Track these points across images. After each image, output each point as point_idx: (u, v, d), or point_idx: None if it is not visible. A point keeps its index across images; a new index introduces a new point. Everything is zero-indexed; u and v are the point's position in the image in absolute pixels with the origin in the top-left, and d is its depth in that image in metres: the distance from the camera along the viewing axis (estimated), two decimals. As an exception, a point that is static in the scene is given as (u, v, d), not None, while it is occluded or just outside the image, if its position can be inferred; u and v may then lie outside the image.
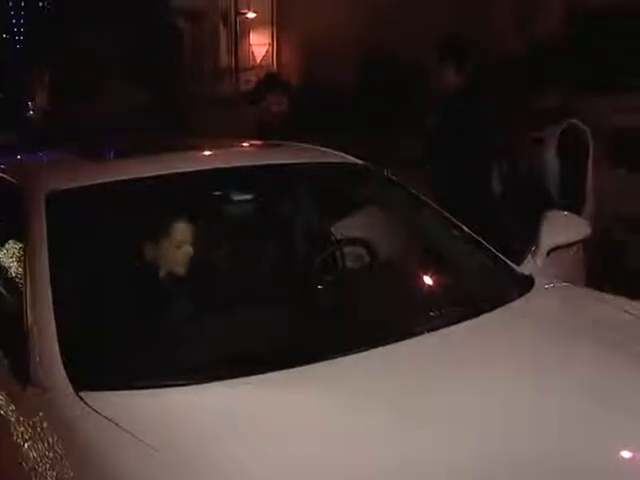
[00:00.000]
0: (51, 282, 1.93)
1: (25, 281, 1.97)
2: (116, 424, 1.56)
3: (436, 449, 1.52)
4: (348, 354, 1.84)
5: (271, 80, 4.91)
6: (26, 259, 2.03)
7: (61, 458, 1.55)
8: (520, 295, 2.24)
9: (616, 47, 6.67)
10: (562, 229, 2.57)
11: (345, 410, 1.63)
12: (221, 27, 26.00)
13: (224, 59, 25.77)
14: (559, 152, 3.61)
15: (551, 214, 2.62)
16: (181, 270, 2.23)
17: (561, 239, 2.56)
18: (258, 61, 24.24)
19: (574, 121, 3.71)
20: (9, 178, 2.61)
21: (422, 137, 4.10)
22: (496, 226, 3.55)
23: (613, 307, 2.24)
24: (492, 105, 4.07)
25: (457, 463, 1.47)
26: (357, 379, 1.78)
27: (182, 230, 2.26)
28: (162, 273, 2.22)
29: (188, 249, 2.24)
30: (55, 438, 1.59)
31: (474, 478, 1.46)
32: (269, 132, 3.85)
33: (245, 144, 3.22)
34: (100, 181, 2.32)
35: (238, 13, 23.22)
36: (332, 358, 1.82)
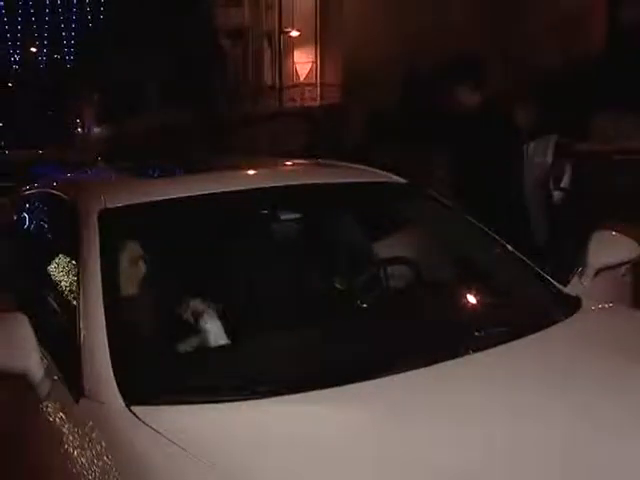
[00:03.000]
0: (103, 297, 1.97)
1: (78, 296, 2.02)
2: (167, 438, 1.58)
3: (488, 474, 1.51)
4: (392, 374, 1.84)
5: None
6: (79, 275, 2.07)
7: (112, 471, 1.57)
8: (567, 316, 2.22)
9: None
10: (610, 249, 2.53)
11: (387, 430, 1.63)
12: (265, 45, 26.38)
13: (268, 77, 26.08)
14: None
15: (599, 234, 2.59)
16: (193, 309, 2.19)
17: (609, 260, 2.52)
18: (302, 79, 24.49)
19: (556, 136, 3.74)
20: (62, 195, 2.68)
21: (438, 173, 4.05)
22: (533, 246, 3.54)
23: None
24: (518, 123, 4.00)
25: None
26: (401, 399, 1.77)
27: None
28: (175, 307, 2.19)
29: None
30: (106, 451, 1.62)
31: None
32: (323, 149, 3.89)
33: (289, 163, 3.26)
34: (151, 199, 2.37)
35: (282, 31, 23.56)
36: (375, 378, 1.82)
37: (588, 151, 5.30)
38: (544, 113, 4.00)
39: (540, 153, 3.91)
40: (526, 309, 2.35)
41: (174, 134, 20.24)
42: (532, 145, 3.92)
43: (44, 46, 46.62)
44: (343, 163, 3.03)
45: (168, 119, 22.92)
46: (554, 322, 2.17)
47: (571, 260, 2.61)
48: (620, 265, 2.58)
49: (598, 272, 2.50)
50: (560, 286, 2.45)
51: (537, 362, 1.97)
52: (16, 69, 47.48)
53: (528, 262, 2.53)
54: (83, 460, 1.64)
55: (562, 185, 3.83)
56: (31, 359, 1.82)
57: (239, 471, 1.50)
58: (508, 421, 1.68)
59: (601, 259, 2.49)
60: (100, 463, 1.60)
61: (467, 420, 1.67)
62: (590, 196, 3.91)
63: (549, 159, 3.90)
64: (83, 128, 39.56)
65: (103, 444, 1.65)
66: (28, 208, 3.17)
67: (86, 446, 1.67)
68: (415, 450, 1.57)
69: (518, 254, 2.55)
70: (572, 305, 2.30)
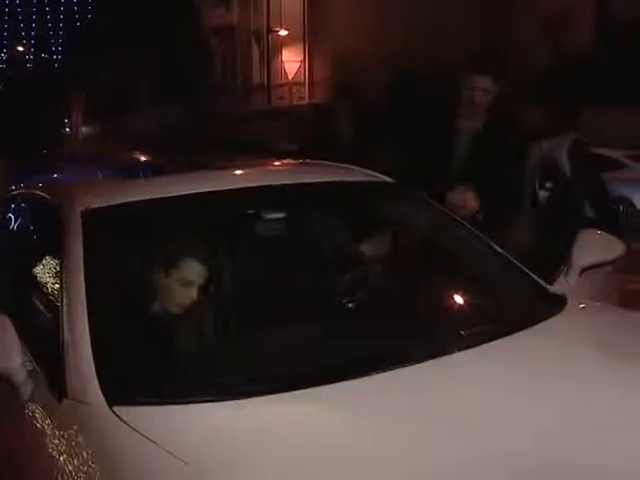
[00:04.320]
0: (87, 298, 1.96)
1: (61, 296, 2.01)
2: (148, 439, 1.58)
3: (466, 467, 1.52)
4: (378, 373, 1.84)
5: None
6: (62, 275, 2.07)
7: (95, 472, 1.57)
8: (552, 314, 2.22)
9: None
10: (596, 248, 2.54)
11: (367, 430, 1.64)
12: (253, 44, 26.36)
13: (256, 76, 26.08)
14: (572, 166, 3.64)
15: (585, 232, 2.60)
16: (175, 309, 2.18)
17: (595, 258, 2.53)
18: (290, 78, 24.49)
19: (574, 134, 3.74)
20: (46, 196, 2.67)
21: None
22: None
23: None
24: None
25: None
26: (385, 398, 1.77)
27: (193, 270, 2.20)
28: (158, 307, 2.18)
29: (193, 291, 2.19)
30: (89, 452, 1.62)
31: None
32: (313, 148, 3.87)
33: (277, 163, 3.25)
34: (135, 199, 2.36)
35: (270, 30, 23.56)
36: (360, 377, 1.82)
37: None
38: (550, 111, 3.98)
39: (556, 152, 3.87)
40: (512, 307, 2.36)
41: (163, 132, 20.17)
42: (546, 144, 3.87)
43: (31, 45, 46.41)
44: (330, 163, 3.03)
45: (157, 118, 22.87)
46: (539, 320, 2.18)
47: (557, 259, 2.62)
48: (606, 264, 2.59)
49: (584, 271, 2.51)
50: (546, 284, 2.46)
51: (522, 360, 1.98)
52: (2, 68, 47.24)
53: (514, 261, 2.53)
54: (67, 462, 1.63)
55: (547, 185, 3.83)
56: (14, 360, 1.81)
57: (217, 473, 1.50)
58: (495, 419, 1.68)
59: (587, 258, 2.50)
60: (83, 465, 1.60)
61: (455, 418, 1.68)
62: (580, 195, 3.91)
63: (564, 158, 3.86)
64: (71, 128, 39.39)
65: (86, 445, 1.64)
66: (13, 209, 3.16)
67: (70, 447, 1.66)
68: (409, 448, 1.58)
69: (504, 253, 2.56)
70: (558, 303, 2.30)
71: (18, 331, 1.84)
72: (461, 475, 1.51)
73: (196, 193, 2.42)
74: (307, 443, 1.59)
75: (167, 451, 1.54)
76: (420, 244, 2.76)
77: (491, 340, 2.02)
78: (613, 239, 2.62)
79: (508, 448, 1.57)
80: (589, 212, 3.79)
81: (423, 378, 1.86)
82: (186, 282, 2.20)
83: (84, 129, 36.63)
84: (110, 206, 2.31)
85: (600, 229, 2.75)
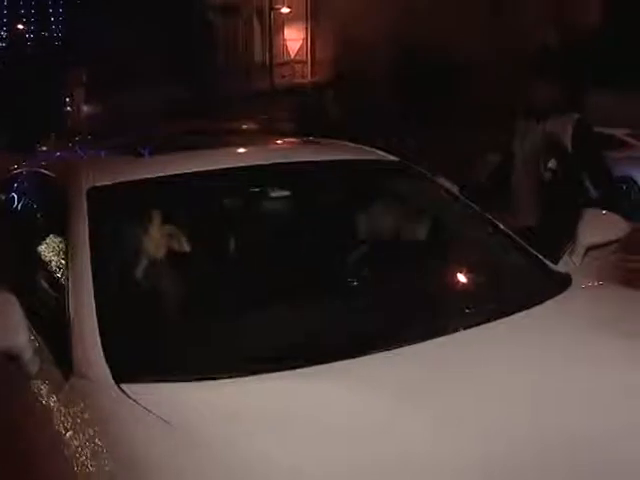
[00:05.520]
0: (92, 275, 1.96)
1: (67, 274, 2.01)
2: (156, 415, 1.59)
3: (459, 448, 1.53)
4: (382, 351, 1.85)
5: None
6: (68, 253, 2.07)
7: (101, 448, 1.58)
8: (557, 293, 2.23)
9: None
10: (601, 228, 2.54)
11: (375, 407, 1.64)
12: (255, 22, 26.15)
13: (258, 54, 25.91)
14: (575, 145, 3.67)
15: (590, 212, 2.60)
16: (182, 286, 2.22)
17: (600, 238, 2.53)
18: (292, 56, 24.33)
19: (577, 114, 3.75)
20: (51, 174, 2.67)
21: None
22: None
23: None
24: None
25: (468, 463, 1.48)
26: (390, 376, 1.78)
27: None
28: (164, 284, 2.22)
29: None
30: (95, 428, 1.63)
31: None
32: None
33: (280, 141, 3.23)
34: (139, 177, 2.35)
35: (272, 8, 23.35)
36: (363, 355, 1.83)
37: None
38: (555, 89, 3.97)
39: (559, 132, 3.87)
40: (516, 286, 2.36)
41: (165, 111, 20.11)
42: (549, 122, 3.87)
43: (31, 23, 46.05)
44: (334, 140, 3.01)
45: (158, 96, 22.76)
46: (544, 299, 2.18)
47: (561, 238, 2.62)
48: (610, 244, 2.59)
49: (588, 250, 2.51)
50: (550, 264, 2.46)
51: (526, 339, 1.98)
52: (3, 47, 46.93)
53: (519, 240, 2.53)
54: (73, 439, 1.64)
55: (549, 166, 3.83)
56: (19, 337, 1.81)
57: (222, 449, 1.51)
58: (500, 398, 1.68)
59: (592, 237, 2.50)
60: (90, 441, 1.60)
61: (460, 398, 1.68)
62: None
63: (567, 138, 3.86)
64: (72, 106, 39.23)
65: (92, 422, 1.65)
66: (16, 188, 3.15)
67: (76, 424, 1.67)
68: (415, 426, 1.58)
69: (509, 232, 2.56)
70: (562, 282, 2.31)
71: (24, 309, 1.85)
72: (470, 451, 1.51)
73: (199, 171, 2.41)
74: (314, 420, 1.60)
75: (174, 428, 1.55)
76: (424, 222, 2.75)
77: (493, 320, 2.02)
78: (618, 218, 2.62)
79: (513, 428, 1.58)
80: (592, 191, 3.80)
81: (427, 356, 1.87)
82: (193, 259, 2.20)
83: (86, 107, 36.51)
84: (115, 184, 2.31)
85: (604, 208, 2.75)
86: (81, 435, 1.63)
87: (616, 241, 2.61)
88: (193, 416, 1.62)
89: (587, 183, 3.81)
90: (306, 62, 21.90)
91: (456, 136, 11.34)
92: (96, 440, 1.59)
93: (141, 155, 2.55)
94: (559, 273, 2.40)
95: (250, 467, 1.46)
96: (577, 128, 3.79)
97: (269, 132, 8.67)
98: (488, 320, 2.02)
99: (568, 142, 3.78)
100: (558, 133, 3.80)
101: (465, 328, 1.99)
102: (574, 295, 2.25)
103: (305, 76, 21.37)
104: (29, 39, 45.95)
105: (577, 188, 3.77)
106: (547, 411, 1.64)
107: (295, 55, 22.60)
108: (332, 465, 1.47)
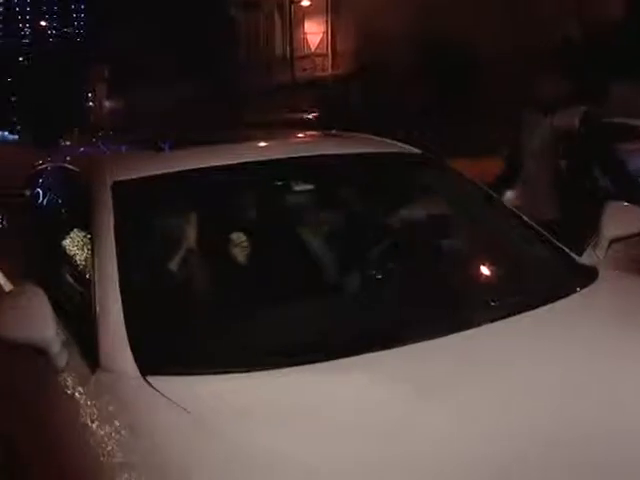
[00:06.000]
0: (117, 268, 1.98)
1: (93, 267, 2.03)
2: (182, 408, 1.60)
3: (478, 442, 1.52)
4: (403, 345, 1.84)
5: None
6: (93, 247, 2.08)
7: (128, 440, 1.59)
8: (583, 287, 2.21)
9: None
10: (624, 221, 2.52)
11: (392, 401, 1.65)
12: (276, 16, 26.14)
13: (279, 48, 25.90)
14: (583, 137, 3.65)
15: (612, 204, 2.57)
16: (207, 280, 2.25)
17: (622, 231, 2.51)
18: (313, 49, 24.30)
19: (584, 107, 3.72)
20: (75, 169, 2.69)
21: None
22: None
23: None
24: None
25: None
26: (412, 370, 1.78)
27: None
28: (189, 277, 2.24)
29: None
30: (121, 420, 1.64)
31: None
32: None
33: (303, 135, 3.23)
34: (163, 172, 2.37)
35: (293, 1, 23.31)
36: (385, 349, 1.82)
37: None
38: (566, 82, 3.95)
39: (568, 125, 3.85)
40: (542, 279, 2.34)
41: (187, 106, 20.20)
42: (556, 116, 3.86)
43: (53, 19, 46.40)
44: (357, 134, 3.00)
45: (180, 91, 22.86)
46: (571, 292, 2.16)
47: (582, 231, 2.61)
48: (632, 236, 2.57)
49: (611, 243, 2.49)
50: (577, 257, 2.44)
51: (552, 333, 1.97)
52: (27, 43, 47.35)
53: (544, 233, 2.52)
54: (99, 431, 1.65)
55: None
56: (48, 331, 1.83)
57: (246, 441, 1.52)
58: (526, 391, 1.67)
59: (615, 230, 2.49)
60: (116, 433, 1.62)
61: (484, 392, 1.67)
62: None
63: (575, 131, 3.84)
64: (94, 102, 39.52)
65: (119, 414, 1.66)
66: (41, 183, 3.18)
67: (102, 417, 1.68)
68: (434, 421, 1.58)
69: (534, 224, 2.54)
70: (589, 275, 2.29)
71: (51, 302, 1.87)
72: (492, 445, 1.51)
73: (223, 165, 2.42)
74: (339, 413, 1.60)
75: (197, 420, 1.56)
76: (449, 214, 2.74)
77: (521, 312, 2.01)
78: (633, 210, 2.59)
79: (533, 423, 1.57)
80: (602, 181, 3.78)
81: (450, 350, 1.86)
82: (217, 252, 2.21)
83: (108, 103, 36.75)
84: (139, 178, 2.32)
85: (621, 200, 2.73)
86: (107, 426, 1.64)
87: (638, 234, 2.58)
88: (216, 408, 1.63)
89: (596, 174, 3.80)
90: (327, 55, 21.86)
91: (474, 130, 11.26)
92: (122, 431, 1.61)
93: (162, 150, 2.56)
94: (586, 266, 2.38)
95: (269, 462, 1.46)
96: (584, 120, 3.79)
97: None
98: (514, 313, 2.01)
99: (576, 135, 3.78)
100: (566, 126, 3.80)
101: (491, 321, 1.97)
102: (601, 288, 2.23)
103: (326, 69, 21.33)
104: (51, 35, 46.31)
105: (588, 179, 3.77)
106: (570, 406, 1.63)
107: (316, 48, 22.56)
108: (346, 461, 1.47)
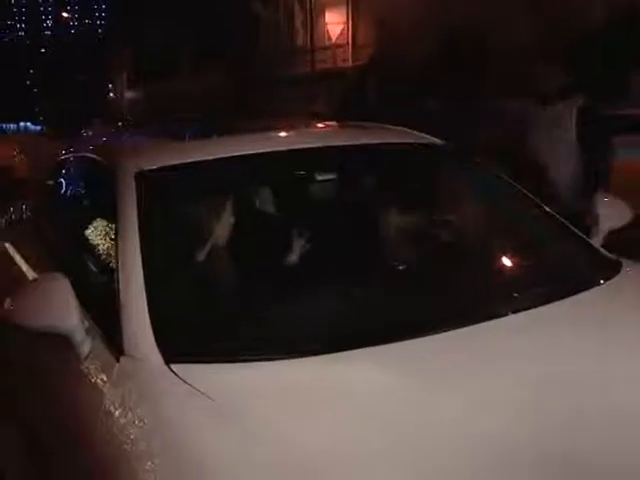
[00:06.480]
0: (141, 257, 1.99)
1: (117, 256, 2.04)
2: (205, 395, 1.61)
3: (489, 432, 1.51)
4: (430, 334, 1.84)
5: None
6: (117, 235, 2.09)
7: (151, 427, 1.60)
8: (607, 279, 2.19)
9: None
10: (618, 211, 2.52)
11: (408, 389, 1.65)
12: (296, 7, 26.07)
13: (299, 39, 25.82)
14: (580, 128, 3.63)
15: (603, 197, 2.58)
16: (231, 268, 2.24)
17: (619, 221, 2.51)
18: (333, 40, 24.20)
19: (581, 99, 3.70)
20: (98, 158, 2.70)
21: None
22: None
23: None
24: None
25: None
26: (433, 360, 1.78)
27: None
28: (213, 265, 2.25)
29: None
30: (145, 407, 1.65)
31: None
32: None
33: (324, 125, 3.22)
34: (186, 161, 2.37)
35: (313, -8, 23.11)
36: (412, 338, 1.82)
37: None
38: (575, 74, 3.93)
39: (567, 116, 3.85)
40: (567, 271, 2.33)
41: (209, 97, 20.23)
42: (560, 106, 3.86)
43: (75, 11, 46.70)
44: (379, 125, 2.99)
45: (202, 82, 22.90)
46: (595, 284, 2.16)
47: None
48: (625, 227, 2.56)
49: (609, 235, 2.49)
50: (601, 249, 2.42)
51: (579, 325, 1.95)
52: (51, 34, 47.70)
53: (568, 224, 2.50)
54: (122, 419, 1.67)
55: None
56: (72, 319, 1.85)
57: (277, 430, 1.52)
58: (543, 384, 1.66)
59: (613, 221, 2.49)
60: (139, 420, 1.63)
61: (505, 384, 1.67)
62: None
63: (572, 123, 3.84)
64: (115, 93, 39.73)
65: (142, 401, 1.68)
66: (64, 173, 3.20)
67: (125, 405, 1.69)
68: (447, 410, 1.58)
69: (557, 216, 2.52)
70: (613, 268, 2.27)
71: (75, 291, 1.88)
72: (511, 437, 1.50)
73: (246, 155, 2.42)
74: (359, 402, 1.60)
75: (223, 408, 1.57)
76: (473, 206, 2.72)
77: (545, 304, 2.00)
78: (623, 203, 2.57)
79: (546, 414, 1.56)
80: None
81: (472, 341, 1.85)
82: (239, 242, 2.21)
83: (128, 94, 36.93)
84: (163, 167, 2.33)
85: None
86: (130, 414, 1.65)
87: (625, 226, 2.57)
88: (239, 396, 1.63)
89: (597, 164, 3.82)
90: (347, 46, 21.78)
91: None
92: (145, 419, 1.62)
93: (184, 139, 2.56)
94: (609, 258, 2.36)
95: (292, 450, 1.47)
96: (581, 112, 3.78)
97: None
98: (537, 305, 2.00)
99: (573, 126, 3.79)
100: (563, 117, 3.80)
101: (513, 313, 1.96)
102: (624, 281, 2.22)
103: (346, 60, 21.26)
104: (73, 26, 46.63)
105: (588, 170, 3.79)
106: (589, 400, 1.62)
107: (336, 39, 22.48)
108: (364, 446, 1.48)
